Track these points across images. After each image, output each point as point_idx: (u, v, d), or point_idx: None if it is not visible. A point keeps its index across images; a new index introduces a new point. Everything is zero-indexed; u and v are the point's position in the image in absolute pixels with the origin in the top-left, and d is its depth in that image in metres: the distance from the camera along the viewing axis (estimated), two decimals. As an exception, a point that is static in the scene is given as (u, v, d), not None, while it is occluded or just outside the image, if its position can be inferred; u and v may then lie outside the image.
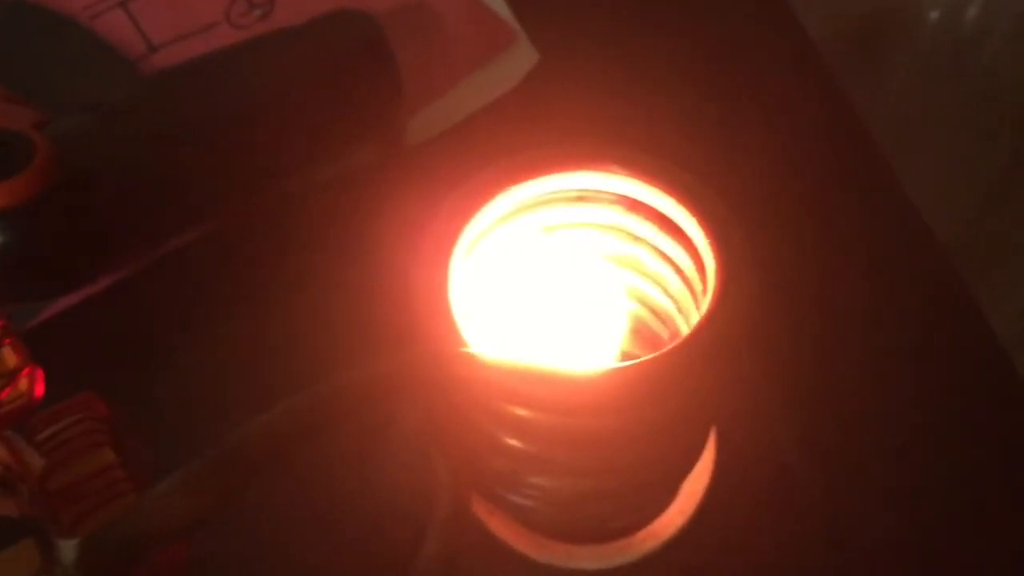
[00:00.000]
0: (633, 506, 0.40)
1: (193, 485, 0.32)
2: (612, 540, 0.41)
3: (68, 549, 0.32)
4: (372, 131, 0.58)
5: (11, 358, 0.39)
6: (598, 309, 0.40)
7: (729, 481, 0.44)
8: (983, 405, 0.51)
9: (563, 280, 0.40)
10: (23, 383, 0.39)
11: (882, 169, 0.56)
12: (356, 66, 0.57)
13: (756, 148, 0.57)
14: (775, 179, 0.55)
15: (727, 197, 0.38)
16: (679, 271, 0.39)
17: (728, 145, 0.56)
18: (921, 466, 0.48)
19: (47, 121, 0.53)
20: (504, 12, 0.61)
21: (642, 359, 0.33)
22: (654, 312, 0.41)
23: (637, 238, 0.40)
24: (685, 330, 0.40)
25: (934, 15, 0.82)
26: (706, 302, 0.35)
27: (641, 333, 0.43)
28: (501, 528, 0.41)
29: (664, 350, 0.33)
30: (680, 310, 0.40)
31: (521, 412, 0.34)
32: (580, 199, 0.39)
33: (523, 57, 0.60)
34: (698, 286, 0.38)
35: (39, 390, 0.39)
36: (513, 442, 0.35)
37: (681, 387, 0.34)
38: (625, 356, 0.42)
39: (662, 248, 0.39)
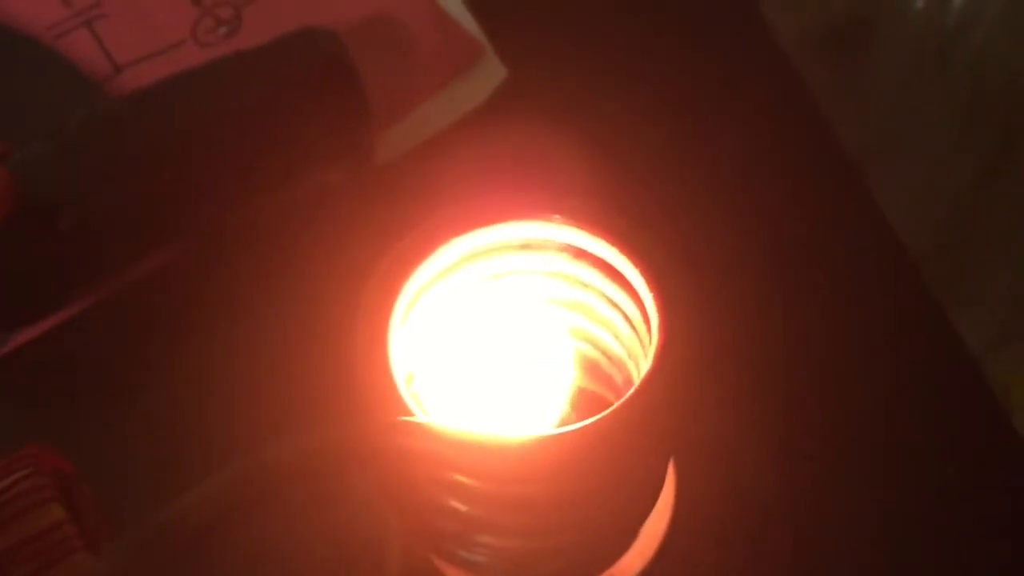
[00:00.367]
0: (588, 558, 0.39)
1: (125, 564, 0.32)
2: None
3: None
4: (339, 151, 0.58)
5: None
6: (547, 355, 0.39)
7: (691, 517, 0.43)
8: (953, 421, 0.50)
9: (510, 326, 0.39)
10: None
11: (853, 184, 0.55)
12: (321, 86, 0.56)
13: (722, 163, 0.56)
14: (734, 203, 0.55)
15: (679, 231, 0.37)
16: (627, 318, 0.38)
17: (691, 161, 0.56)
18: (890, 489, 0.47)
19: (8, 152, 0.53)
20: (472, 27, 0.60)
21: (581, 424, 0.33)
22: (606, 355, 0.41)
23: (585, 284, 0.39)
24: (636, 377, 0.39)
25: (919, 4, 0.80)
26: (650, 355, 0.35)
27: (595, 372, 0.42)
28: (457, 578, 0.40)
29: (603, 415, 0.33)
30: (631, 356, 0.39)
31: (463, 479, 0.33)
32: (525, 247, 0.38)
33: (491, 72, 0.60)
34: (645, 336, 0.37)
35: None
36: (458, 505, 0.35)
37: (625, 448, 0.34)
38: (580, 395, 0.41)
39: (610, 295, 0.39)
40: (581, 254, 0.38)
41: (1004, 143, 0.76)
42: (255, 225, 0.54)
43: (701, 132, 0.57)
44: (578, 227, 0.37)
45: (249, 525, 0.33)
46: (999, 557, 0.46)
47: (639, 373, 0.39)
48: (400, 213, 0.55)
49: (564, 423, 0.38)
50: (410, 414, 0.34)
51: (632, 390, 0.33)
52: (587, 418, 0.39)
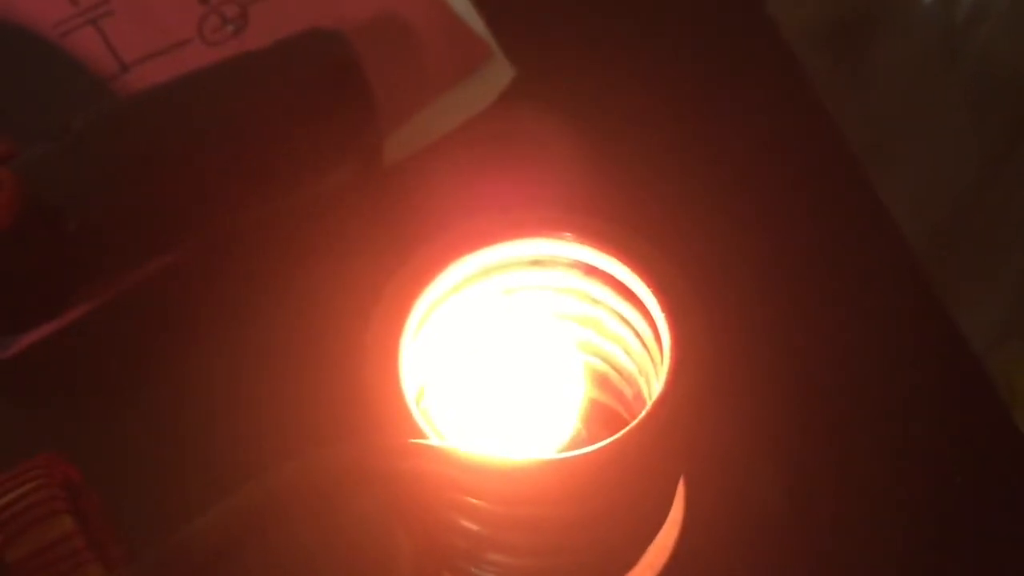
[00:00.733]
0: (597, 573, 0.39)
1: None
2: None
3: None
4: (346, 152, 0.57)
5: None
6: (558, 369, 0.39)
7: (699, 530, 0.43)
8: (962, 429, 0.50)
9: (521, 341, 0.39)
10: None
11: (857, 182, 0.55)
12: (327, 87, 0.56)
13: (727, 175, 0.56)
14: (739, 207, 0.54)
15: (682, 237, 0.37)
16: (638, 335, 0.38)
17: (699, 169, 0.55)
18: (901, 506, 0.47)
19: (14, 153, 0.53)
20: (479, 28, 0.60)
21: (592, 448, 0.33)
22: (617, 370, 0.41)
23: (596, 300, 0.39)
24: (646, 393, 0.39)
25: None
26: (662, 377, 0.35)
27: (605, 385, 0.42)
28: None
29: (615, 438, 0.33)
30: (641, 371, 0.39)
31: (474, 501, 0.33)
32: (536, 263, 0.38)
33: (499, 73, 0.59)
34: (656, 354, 0.37)
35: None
36: (469, 524, 0.35)
37: (637, 470, 0.34)
38: (591, 406, 0.41)
39: (620, 311, 0.38)
40: (592, 271, 0.38)
41: (1009, 139, 0.76)
42: (261, 228, 0.54)
43: (706, 133, 0.57)
44: (589, 245, 0.37)
45: (260, 548, 0.33)
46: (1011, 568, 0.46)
47: (650, 390, 0.39)
48: (408, 215, 0.55)
49: (575, 440, 0.38)
50: (421, 435, 0.34)
51: (644, 413, 0.33)
52: (598, 432, 0.40)
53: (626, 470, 0.33)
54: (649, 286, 0.36)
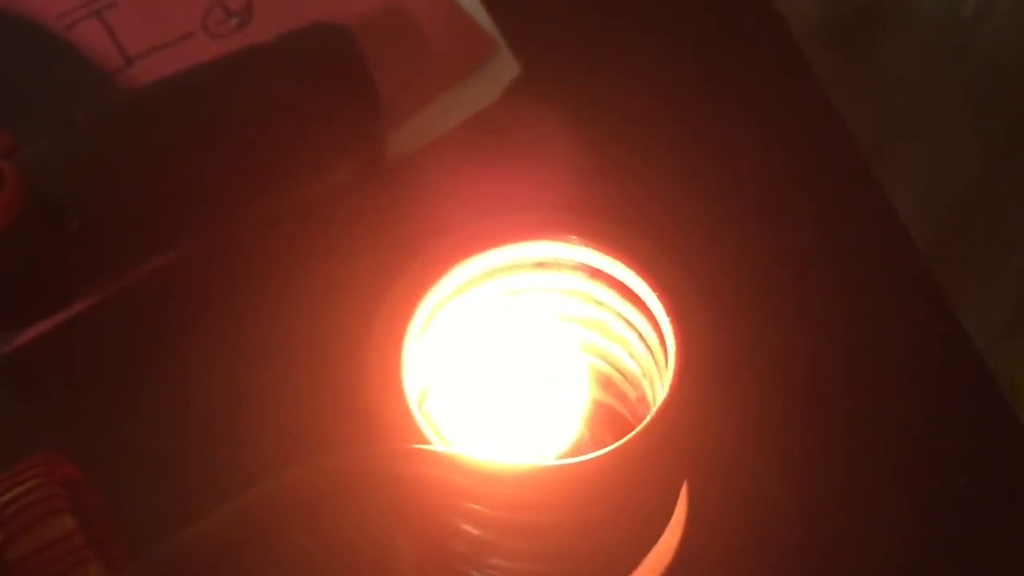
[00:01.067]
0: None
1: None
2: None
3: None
4: (349, 148, 0.57)
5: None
6: (562, 371, 0.39)
7: (702, 532, 0.43)
8: (966, 427, 0.50)
9: (525, 343, 0.39)
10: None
11: (866, 189, 0.55)
12: (331, 82, 0.55)
13: (733, 176, 0.55)
14: (744, 206, 0.54)
15: (682, 235, 0.37)
16: (642, 338, 0.38)
17: (703, 170, 0.55)
18: (904, 498, 0.47)
19: (17, 148, 0.52)
20: (485, 22, 0.60)
21: (596, 454, 0.33)
22: (620, 372, 0.40)
23: (600, 303, 0.39)
24: (650, 396, 0.39)
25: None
26: (666, 381, 0.34)
27: (609, 387, 0.42)
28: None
29: (619, 444, 0.33)
30: (645, 374, 0.39)
31: (475, 506, 0.33)
32: (541, 266, 0.38)
33: (504, 69, 0.59)
34: (660, 357, 0.37)
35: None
36: (471, 529, 0.35)
37: (641, 475, 0.33)
38: (594, 407, 0.41)
39: (625, 314, 0.38)
40: (596, 273, 0.38)
41: (1012, 137, 0.76)
42: (263, 226, 0.54)
43: (709, 132, 0.57)
44: (594, 248, 0.37)
45: (261, 551, 0.33)
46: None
47: (654, 394, 0.38)
48: (411, 213, 0.55)
49: (579, 444, 0.38)
50: (423, 439, 0.34)
51: (648, 418, 0.33)
52: (602, 435, 0.40)
53: (630, 475, 0.33)
54: (653, 289, 0.36)
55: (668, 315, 0.35)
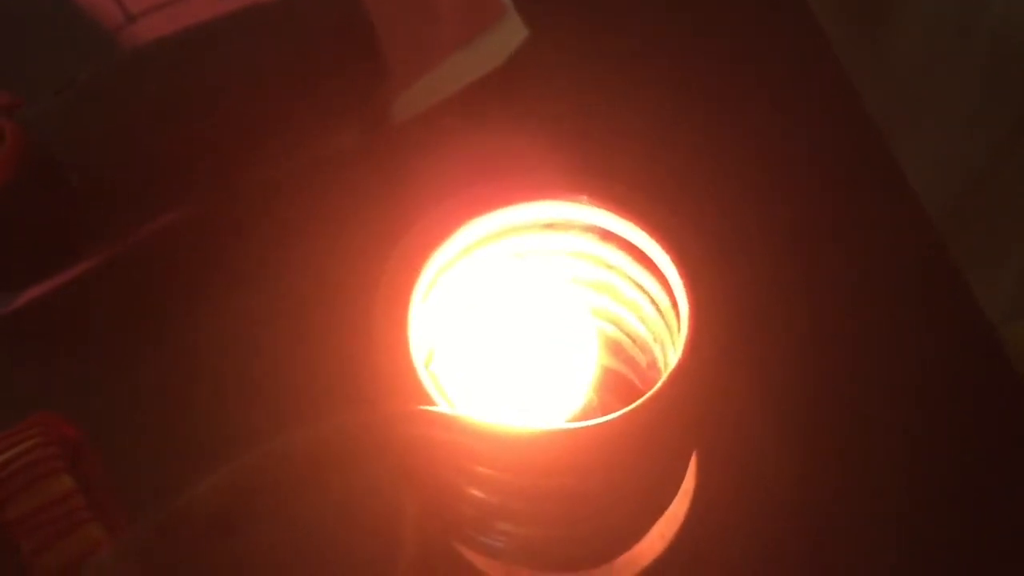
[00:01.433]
0: (607, 543, 0.39)
1: (142, 548, 0.31)
2: (590, 568, 0.40)
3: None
4: (354, 110, 0.56)
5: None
6: (570, 334, 0.38)
7: (710, 501, 0.42)
8: (979, 406, 0.49)
9: (533, 305, 0.38)
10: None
11: (882, 160, 0.54)
12: (336, 43, 0.55)
13: (745, 135, 0.54)
14: (757, 178, 0.53)
15: (699, 205, 0.36)
16: (653, 301, 0.37)
17: (714, 129, 0.54)
18: (912, 475, 0.47)
19: (18, 104, 0.52)
20: (493, -17, 0.59)
21: (606, 418, 0.32)
22: (630, 336, 0.40)
23: (610, 266, 0.38)
24: (661, 361, 0.38)
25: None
26: (679, 346, 0.34)
27: (618, 352, 0.41)
28: (478, 560, 0.39)
29: (630, 408, 0.32)
30: (656, 339, 0.38)
31: (483, 470, 0.32)
32: (550, 227, 0.37)
33: (512, 32, 0.58)
34: (672, 322, 0.36)
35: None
36: (477, 492, 0.34)
37: (651, 442, 0.33)
38: (603, 374, 0.40)
39: (636, 277, 0.37)
40: (608, 236, 0.37)
41: (1022, 117, 0.75)
42: (267, 188, 0.53)
43: (725, 100, 0.56)
44: (607, 209, 0.36)
45: (266, 511, 0.32)
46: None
47: (665, 359, 0.38)
48: (416, 176, 0.54)
49: (587, 409, 0.37)
50: (430, 400, 0.33)
51: (660, 383, 0.32)
52: (610, 401, 0.39)
53: (640, 440, 0.32)
54: (667, 252, 0.35)
55: (682, 279, 0.34)
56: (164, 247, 0.52)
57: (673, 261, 0.34)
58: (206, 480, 0.31)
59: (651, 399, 0.32)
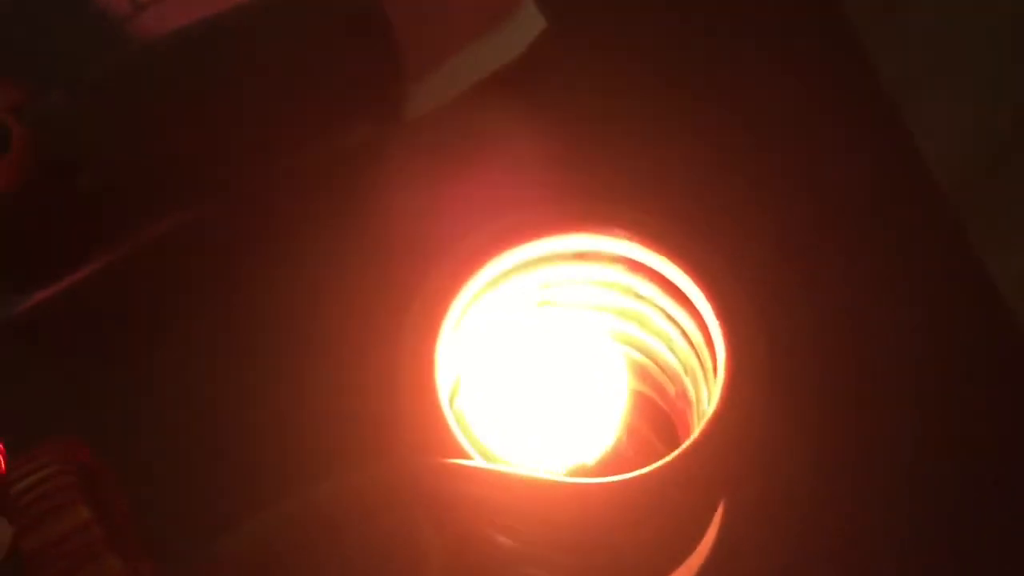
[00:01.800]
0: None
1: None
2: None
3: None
4: (368, 104, 0.55)
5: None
6: (600, 366, 0.37)
7: (733, 538, 0.41)
8: (992, 402, 0.48)
9: (559, 335, 0.37)
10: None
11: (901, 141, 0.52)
12: (351, 35, 0.53)
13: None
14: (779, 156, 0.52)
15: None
16: (684, 333, 0.37)
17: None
18: (927, 473, 0.45)
19: (23, 101, 0.50)
20: (510, -26, 0.57)
21: (642, 471, 0.31)
22: (659, 365, 0.39)
23: (639, 296, 0.37)
24: (692, 394, 0.37)
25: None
26: (714, 393, 0.33)
27: (646, 378, 0.40)
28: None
29: (664, 461, 0.31)
30: (687, 371, 0.37)
31: (511, 521, 0.32)
32: (579, 257, 0.36)
33: (529, 23, 0.57)
34: (706, 357, 0.35)
35: (0, 467, 0.37)
36: (505, 541, 0.33)
37: (683, 495, 0.32)
38: (633, 396, 0.39)
39: (667, 309, 0.37)
40: (638, 267, 0.36)
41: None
42: (280, 186, 0.52)
43: (741, 83, 0.54)
44: (640, 243, 0.35)
45: (293, 562, 0.32)
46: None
47: (696, 392, 0.37)
48: (432, 173, 0.53)
49: (618, 443, 0.36)
50: (456, 446, 0.32)
51: (693, 436, 0.32)
52: (640, 426, 0.38)
53: (673, 493, 0.32)
54: (703, 290, 0.34)
55: (718, 319, 0.33)
56: (175, 248, 0.51)
57: (708, 299, 0.34)
58: (234, 533, 0.31)
59: (685, 452, 0.31)
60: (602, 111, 0.52)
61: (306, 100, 0.52)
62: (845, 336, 0.47)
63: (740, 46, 0.55)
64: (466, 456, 0.32)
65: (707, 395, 0.34)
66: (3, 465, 0.36)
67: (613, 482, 0.31)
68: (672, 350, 0.37)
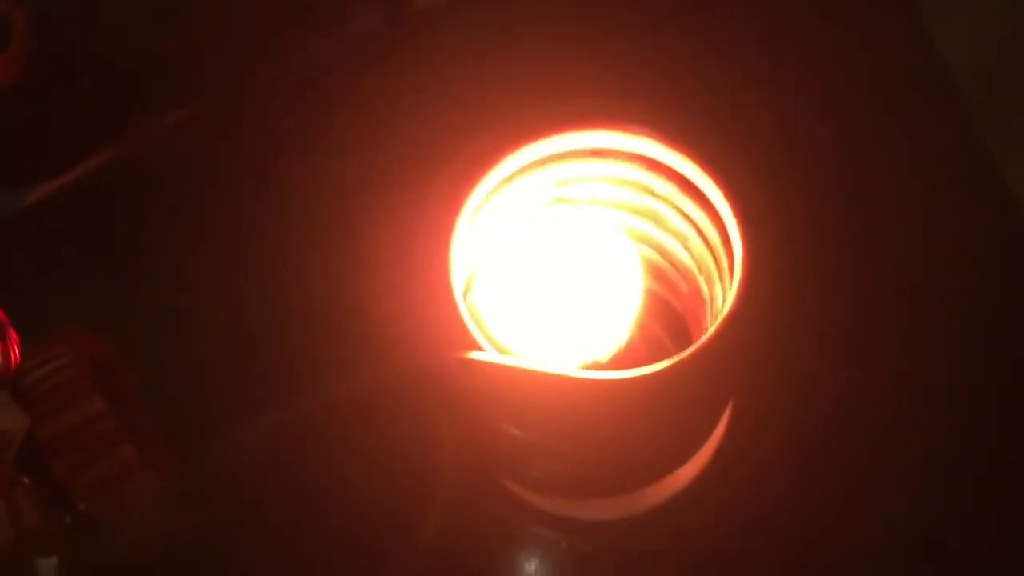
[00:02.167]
0: (642, 475, 0.38)
1: (190, 491, 0.31)
2: (622, 495, 0.40)
3: (47, 568, 0.31)
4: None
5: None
6: (612, 260, 0.37)
7: (742, 433, 0.42)
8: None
9: (574, 231, 0.37)
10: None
11: (930, 66, 0.51)
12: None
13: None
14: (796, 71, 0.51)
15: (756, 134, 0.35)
16: (700, 232, 0.36)
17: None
18: (940, 434, 0.45)
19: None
20: None
21: (656, 367, 0.31)
22: (672, 264, 0.39)
23: (656, 194, 0.37)
24: (706, 292, 0.37)
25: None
26: (729, 292, 0.33)
27: (659, 277, 0.40)
28: (514, 487, 0.39)
29: (678, 358, 0.31)
30: (701, 270, 0.37)
31: (524, 413, 0.32)
32: (595, 155, 0.36)
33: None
34: (722, 257, 0.35)
35: (15, 358, 0.37)
36: (516, 432, 0.34)
37: (694, 392, 0.32)
38: (645, 295, 0.39)
39: (684, 208, 0.36)
40: (655, 165, 0.36)
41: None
42: (286, 81, 0.51)
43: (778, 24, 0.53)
44: (657, 140, 0.34)
45: (312, 454, 0.32)
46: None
47: (710, 291, 0.37)
48: (442, 64, 0.52)
49: (630, 339, 0.36)
50: (470, 339, 0.32)
51: (708, 335, 0.32)
52: (651, 324, 0.38)
53: (686, 390, 0.32)
54: (721, 190, 0.33)
55: (736, 219, 0.33)
56: (180, 145, 0.50)
57: (727, 198, 0.33)
58: (253, 426, 0.31)
59: (699, 349, 0.31)
60: (616, 7, 0.50)
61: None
62: (865, 240, 0.47)
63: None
64: (479, 349, 0.31)
65: (722, 294, 0.34)
66: (18, 355, 0.36)
67: (626, 377, 0.31)
68: (687, 249, 0.37)
